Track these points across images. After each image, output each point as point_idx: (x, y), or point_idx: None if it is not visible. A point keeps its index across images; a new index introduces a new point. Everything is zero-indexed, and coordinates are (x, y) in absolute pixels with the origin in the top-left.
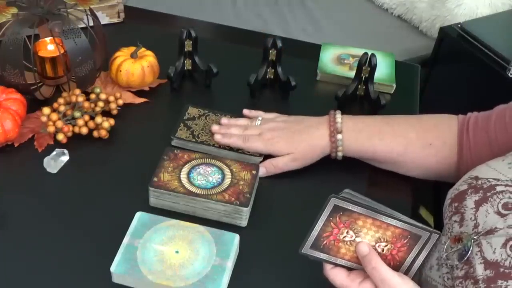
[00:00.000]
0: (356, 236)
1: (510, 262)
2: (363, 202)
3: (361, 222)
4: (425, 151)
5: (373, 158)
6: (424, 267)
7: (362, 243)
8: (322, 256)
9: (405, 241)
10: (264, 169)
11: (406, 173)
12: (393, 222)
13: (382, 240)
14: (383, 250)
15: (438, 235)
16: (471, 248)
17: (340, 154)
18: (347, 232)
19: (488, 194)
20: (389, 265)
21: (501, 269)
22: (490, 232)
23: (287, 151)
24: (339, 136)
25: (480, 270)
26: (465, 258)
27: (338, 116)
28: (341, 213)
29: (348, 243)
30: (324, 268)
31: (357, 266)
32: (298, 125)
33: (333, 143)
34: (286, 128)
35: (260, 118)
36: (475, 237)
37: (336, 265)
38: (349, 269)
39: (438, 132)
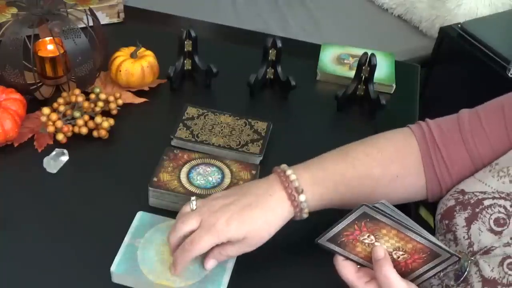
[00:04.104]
0: (376, 241)
1: (507, 280)
2: (394, 215)
3: (385, 231)
4: (393, 184)
5: (342, 206)
6: None
7: (379, 247)
8: (337, 249)
9: (423, 255)
10: (214, 261)
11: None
12: (418, 238)
13: (400, 249)
14: (398, 258)
15: (457, 259)
16: (467, 269)
17: (305, 215)
18: (368, 236)
19: (477, 210)
20: (400, 270)
21: (499, 287)
22: (487, 251)
23: (242, 235)
24: (302, 198)
25: None
26: (461, 279)
27: (289, 171)
28: (368, 220)
29: (366, 244)
30: (335, 257)
31: (367, 264)
32: (245, 198)
33: (296, 207)
34: (232, 204)
35: (194, 198)
36: (472, 258)
37: (348, 258)
38: (359, 265)
39: (401, 160)
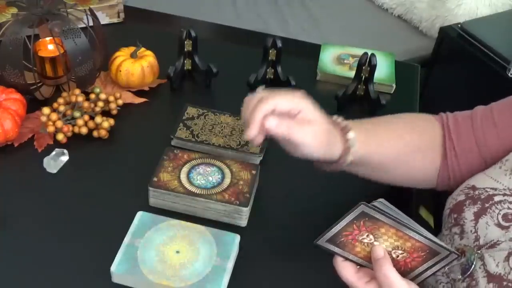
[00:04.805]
0: (375, 240)
1: None
2: (393, 214)
3: (383, 229)
4: (415, 155)
5: (376, 163)
6: None
7: (379, 247)
8: (336, 250)
9: (422, 253)
10: (275, 120)
11: (391, 181)
12: (416, 236)
13: (399, 248)
14: (397, 257)
15: (456, 256)
16: (474, 263)
17: (350, 157)
18: (367, 235)
19: (487, 205)
20: (399, 269)
21: (505, 283)
22: (492, 245)
23: (310, 117)
24: (351, 135)
25: (483, 284)
26: (468, 273)
27: (335, 116)
28: (367, 219)
29: (365, 244)
30: (335, 259)
31: (367, 264)
32: None
33: (346, 142)
34: None
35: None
36: (478, 252)
37: (347, 259)
38: (359, 266)
39: (426, 136)
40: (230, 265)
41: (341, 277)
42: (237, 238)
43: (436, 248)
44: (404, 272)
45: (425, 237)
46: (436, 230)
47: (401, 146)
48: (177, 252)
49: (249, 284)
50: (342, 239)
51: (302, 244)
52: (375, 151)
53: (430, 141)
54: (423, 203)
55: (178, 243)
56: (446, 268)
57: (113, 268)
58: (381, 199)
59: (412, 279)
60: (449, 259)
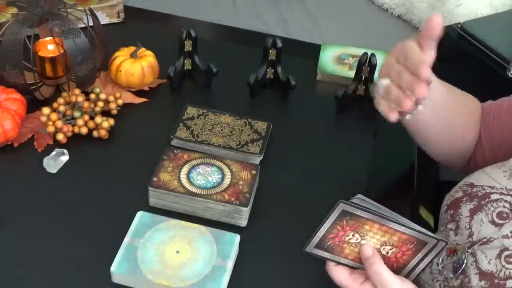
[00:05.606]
0: (361, 239)
1: (504, 273)
2: (373, 208)
3: (367, 226)
4: (470, 121)
5: (446, 110)
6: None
7: (367, 245)
8: (326, 255)
9: (411, 246)
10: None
11: (445, 142)
12: (401, 228)
13: (387, 243)
14: (387, 253)
15: (445, 243)
16: (465, 261)
17: (430, 90)
18: (353, 235)
19: (483, 202)
20: (392, 267)
21: (496, 280)
22: (485, 242)
23: None
24: None
25: (475, 281)
26: (459, 272)
27: None
28: (349, 217)
29: (353, 244)
30: (327, 264)
31: (359, 266)
32: None
33: None
34: None
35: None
36: (469, 250)
37: (339, 263)
38: (352, 268)
39: (473, 107)
40: (230, 265)
41: (335, 281)
42: (237, 238)
43: (423, 238)
44: (397, 269)
45: (410, 228)
46: (436, 230)
47: (462, 103)
48: (177, 252)
49: (249, 284)
50: (329, 242)
51: (302, 244)
52: (449, 94)
53: (476, 110)
54: (423, 203)
55: (178, 243)
56: (440, 266)
57: (113, 268)
58: (359, 195)
59: (407, 275)
60: (438, 248)
